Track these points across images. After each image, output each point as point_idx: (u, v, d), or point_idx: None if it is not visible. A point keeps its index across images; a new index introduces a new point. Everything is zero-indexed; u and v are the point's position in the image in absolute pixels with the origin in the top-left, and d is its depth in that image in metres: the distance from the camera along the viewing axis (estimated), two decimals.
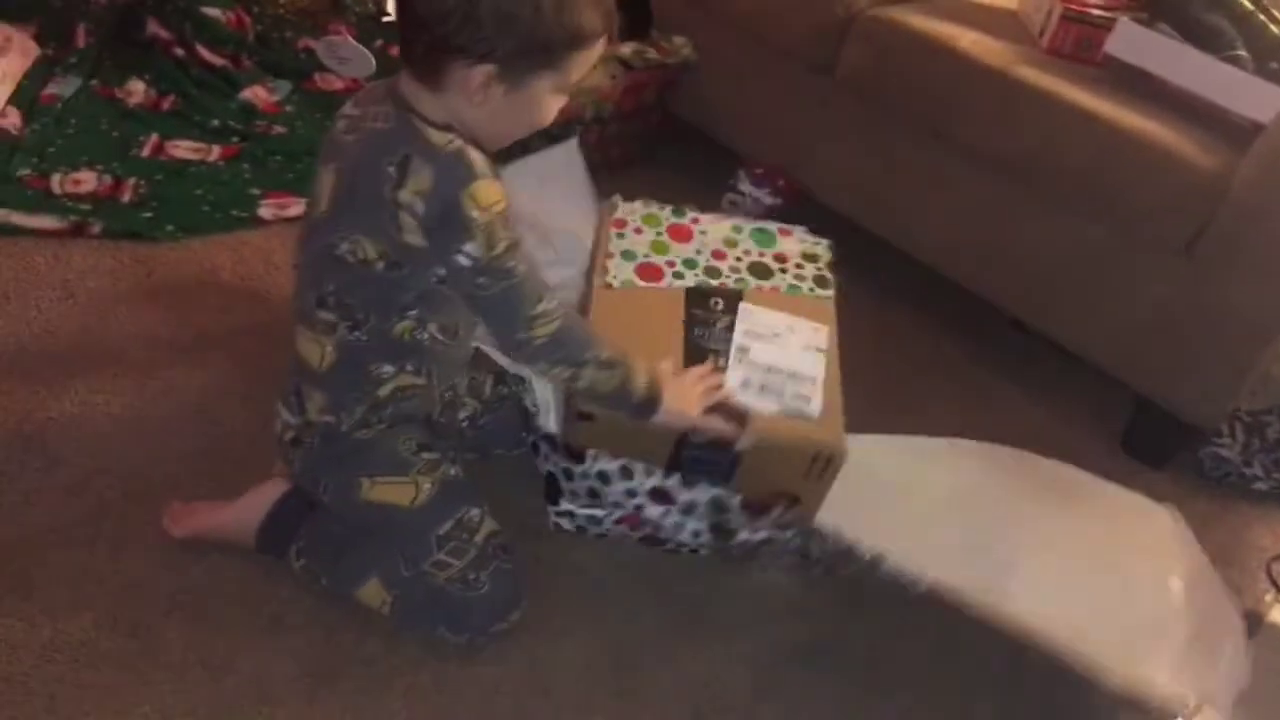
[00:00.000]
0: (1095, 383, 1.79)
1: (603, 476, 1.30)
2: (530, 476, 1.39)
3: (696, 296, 1.40)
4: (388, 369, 1.18)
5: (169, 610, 1.20)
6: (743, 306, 1.40)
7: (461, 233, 1.04)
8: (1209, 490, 1.75)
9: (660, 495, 1.31)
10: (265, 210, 1.86)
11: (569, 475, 1.31)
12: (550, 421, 1.31)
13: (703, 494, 1.30)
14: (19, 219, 1.69)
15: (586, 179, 1.67)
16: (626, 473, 1.29)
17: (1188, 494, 1.73)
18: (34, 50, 2.05)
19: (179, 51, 2.17)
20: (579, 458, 1.29)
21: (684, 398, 1.22)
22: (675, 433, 1.24)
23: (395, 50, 2.41)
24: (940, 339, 1.96)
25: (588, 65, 1.07)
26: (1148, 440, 1.77)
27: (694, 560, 1.40)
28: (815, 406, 1.28)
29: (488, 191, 1.04)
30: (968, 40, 1.80)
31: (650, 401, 1.20)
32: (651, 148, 2.22)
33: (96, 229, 1.71)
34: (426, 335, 1.17)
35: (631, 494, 1.31)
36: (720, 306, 1.39)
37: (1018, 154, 1.73)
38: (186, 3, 2.24)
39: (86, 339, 1.52)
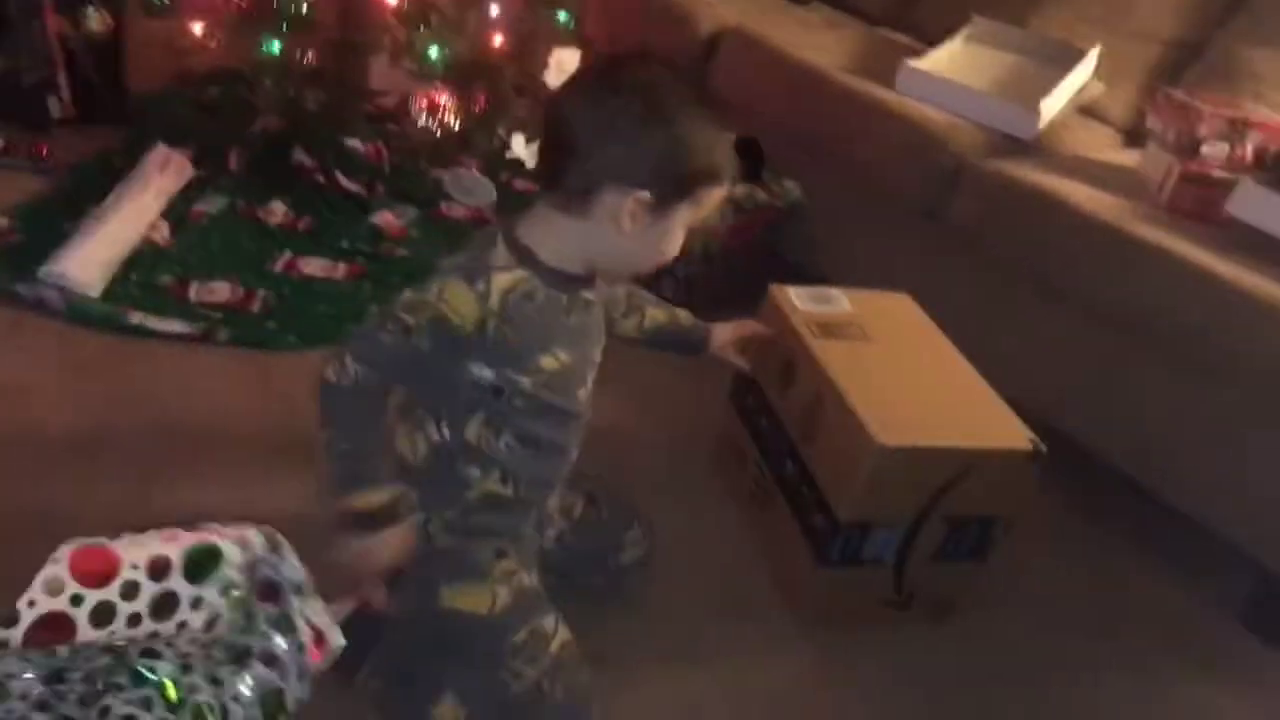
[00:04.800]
0: (1215, 549, 1.69)
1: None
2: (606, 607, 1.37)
3: None
4: (474, 472, 1.20)
5: None
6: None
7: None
8: None
9: None
10: None
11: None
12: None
13: None
14: (154, 323, 1.80)
15: None
16: None
17: None
18: (189, 170, 2.23)
19: (319, 178, 2.33)
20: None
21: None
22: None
23: (517, 184, 2.53)
24: (1047, 495, 1.88)
25: (716, 201, 1.16)
26: (1270, 617, 1.65)
27: (786, 692, 1.35)
28: None
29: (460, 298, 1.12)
30: (1082, 195, 1.79)
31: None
32: (758, 286, 2.24)
33: (224, 336, 1.81)
34: (502, 444, 1.19)
35: None
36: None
37: (1132, 310, 1.69)
38: (330, 134, 2.41)
39: (199, 437, 1.58)
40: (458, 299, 1.11)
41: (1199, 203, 1.77)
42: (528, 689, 1.18)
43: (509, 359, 1.15)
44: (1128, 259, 1.69)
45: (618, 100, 1.08)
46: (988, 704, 1.44)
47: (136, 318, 1.80)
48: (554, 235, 1.14)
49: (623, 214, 1.10)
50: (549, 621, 1.22)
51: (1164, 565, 1.77)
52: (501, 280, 1.13)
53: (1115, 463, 1.77)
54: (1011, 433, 1.43)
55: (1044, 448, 1.41)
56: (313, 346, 1.84)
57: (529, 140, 2.31)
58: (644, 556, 1.44)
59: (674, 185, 1.11)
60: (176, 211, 2.12)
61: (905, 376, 1.50)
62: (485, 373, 1.15)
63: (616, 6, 2.54)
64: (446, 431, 1.19)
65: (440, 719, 1.20)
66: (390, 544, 1.15)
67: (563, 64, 2.37)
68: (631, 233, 1.11)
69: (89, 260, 1.87)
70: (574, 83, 1.16)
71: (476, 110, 2.30)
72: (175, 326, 1.81)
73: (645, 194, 1.09)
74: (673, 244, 1.16)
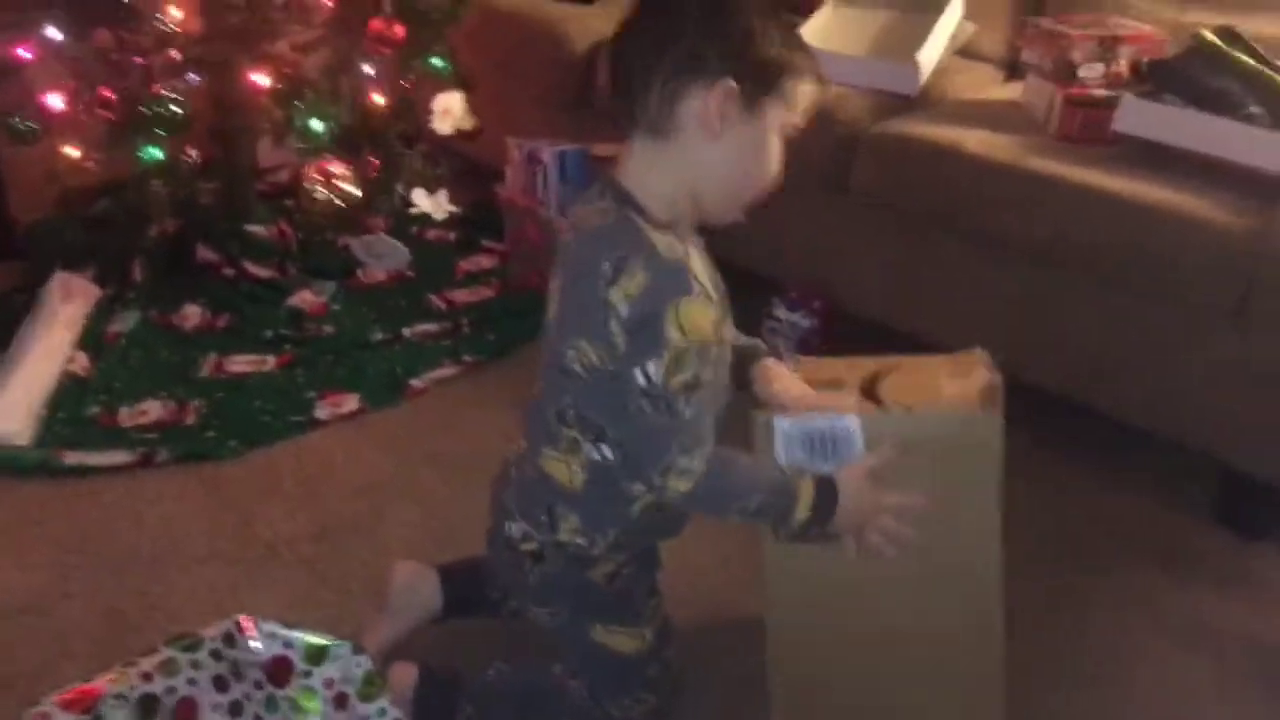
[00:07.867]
0: (1176, 457, 1.72)
1: None
2: None
3: None
4: (639, 487, 1.11)
5: None
6: None
7: (651, 348, 1.01)
8: None
9: None
10: (321, 411, 1.91)
11: None
12: None
13: None
14: (92, 459, 1.76)
15: None
16: None
17: None
18: (94, 292, 2.18)
19: (228, 271, 2.29)
20: None
21: (862, 510, 1.12)
22: None
23: (429, 235, 2.50)
24: (1009, 435, 1.90)
25: (806, 101, 1.08)
26: (1241, 511, 1.69)
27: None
28: None
29: (697, 314, 1.02)
30: (975, 140, 1.82)
31: (811, 524, 1.11)
32: None
33: (163, 456, 1.78)
34: None
35: None
36: None
37: (1043, 242, 1.72)
38: (231, 224, 2.38)
39: (159, 568, 1.56)
40: (698, 315, 1.02)
41: (1086, 125, 1.80)
42: (647, 712, 1.23)
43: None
44: (1029, 194, 1.72)
45: (675, 5, 1.03)
46: None
47: (72, 458, 1.76)
48: (653, 176, 1.07)
49: (712, 113, 1.02)
50: (672, 651, 1.26)
51: (1131, 481, 1.80)
52: (694, 259, 1.06)
53: (1063, 390, 1.80)
54: None
55: None
56: (255, 447, 1.82)
57: (430, 191, 2.30)
58: None
59: (755, 72, 1.03)
60: (90, 337, 2.07)
61: None
62: (644, 376, 1.02)
63: (486, 39, 2.52)
64: (608, 450, 1.11)
65: None
66: (852, 490, 1.10)
67: (448, 108, 2.36)
68: (727, 137, 1.04)
69: (10, 407, 1.83)
70: (625, 20, 1.08)
71: (371, 174, 2.28)
72: (113, 458, 1.77)
73: (730, 82, 1.02)
74: (772, 155, 1.09)
